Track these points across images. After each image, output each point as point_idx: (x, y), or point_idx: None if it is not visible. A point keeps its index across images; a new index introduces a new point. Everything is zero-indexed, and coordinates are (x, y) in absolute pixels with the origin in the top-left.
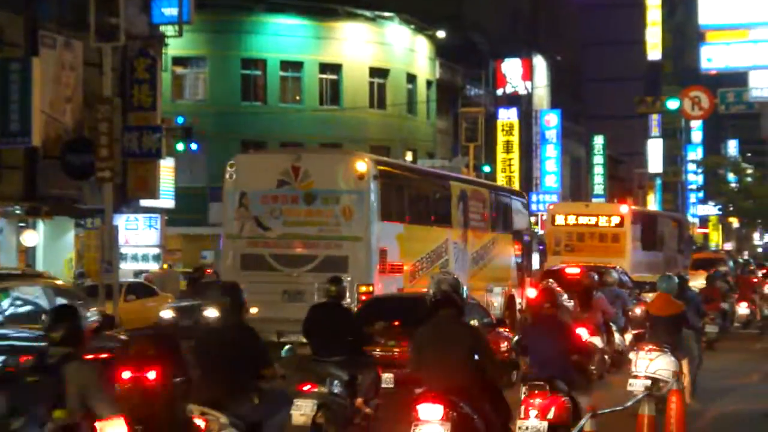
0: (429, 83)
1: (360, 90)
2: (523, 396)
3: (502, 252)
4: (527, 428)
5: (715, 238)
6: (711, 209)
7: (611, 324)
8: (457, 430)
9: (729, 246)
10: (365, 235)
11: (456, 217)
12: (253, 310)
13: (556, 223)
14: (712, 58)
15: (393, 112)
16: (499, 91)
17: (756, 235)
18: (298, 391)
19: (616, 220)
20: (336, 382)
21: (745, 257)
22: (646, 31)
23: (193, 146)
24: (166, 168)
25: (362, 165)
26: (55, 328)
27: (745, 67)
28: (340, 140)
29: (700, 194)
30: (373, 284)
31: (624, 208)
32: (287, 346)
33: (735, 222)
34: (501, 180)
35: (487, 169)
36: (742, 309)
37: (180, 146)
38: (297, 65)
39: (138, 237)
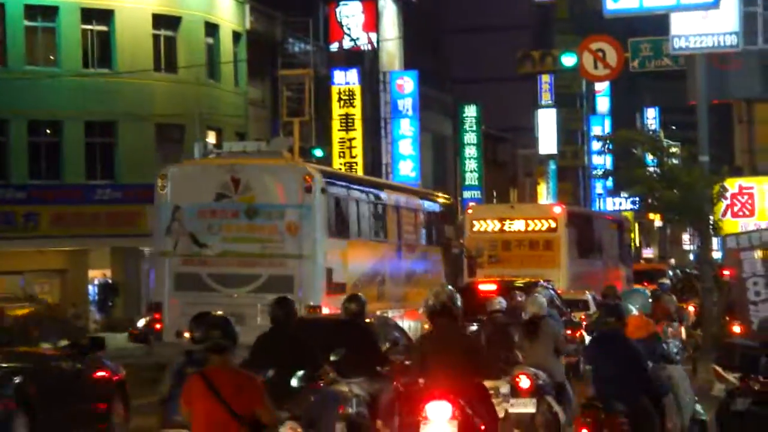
0: (237, 36)
1: (141, 46)
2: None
3: (433, 266)
4: None
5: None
6: (623, 203)
7: None
8: (461, 430)
9: (649, 252)
10: (312, 252)
11: (392, 231)
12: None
13: (475, 230)
14: None
15: (187, 77)
16: (334, 46)
17: (685, 237)
18: None
19: (548, 223)
20: (359, 402)
21: (672, 268)
22: None
23: None
24: None
25: (310, 177)
26: (199, 328)
27: (664, 7)
28: (114, 116)
29: (609, 182)
30: (320, 305)
31: (557, 209)
32: None
33: (657, 219)
34: (339, 167)
35: (319, 153)
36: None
37: None
38: (50, 11)
39: None
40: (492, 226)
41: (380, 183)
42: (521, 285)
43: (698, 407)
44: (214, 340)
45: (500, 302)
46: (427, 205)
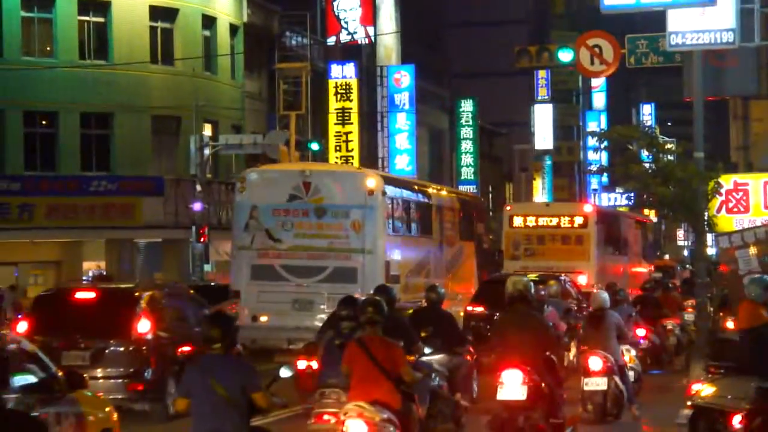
0: (234, 29)
1: (138, 38)
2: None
3: (467, 260)
4: None
5: None
6: (618, 198)
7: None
8: (531, 393)
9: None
10: (374, 248)
11: (435, 228)
12: (263, 318)
13: (514, 225)
14: None
15: (184, 70)
16: (331, 40)
17: (680, 233)
18: None
19: (579, 220)
20: (439, 376)
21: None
22: None
23: None
24: None
25: (372, 182)
26: (345, 308)
27: (661, 4)
28: (110, 108)
29: (604, 178)
30: None
31: (588, 208)
32: (284, 368)
33: (652, 215)
34: (335, 160)
35: (315, 146)
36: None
37: None
38: (46, 2)
39: None
40: (528, 222)
41: (426, 185)
42: (536, 279)
43: None
44: (369, 315)
45: None
46: (463, 204)
